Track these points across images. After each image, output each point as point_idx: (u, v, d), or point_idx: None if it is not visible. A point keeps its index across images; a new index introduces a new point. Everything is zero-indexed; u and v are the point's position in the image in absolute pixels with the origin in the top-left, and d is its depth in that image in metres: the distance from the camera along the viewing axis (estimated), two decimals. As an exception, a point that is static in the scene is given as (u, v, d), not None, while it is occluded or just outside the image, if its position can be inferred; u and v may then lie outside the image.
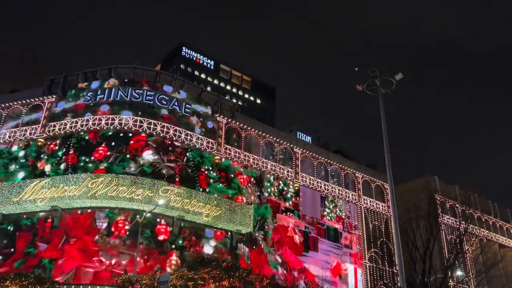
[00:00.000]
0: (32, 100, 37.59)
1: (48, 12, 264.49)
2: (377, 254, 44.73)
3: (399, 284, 19.30)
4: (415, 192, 44.69)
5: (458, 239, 42.03)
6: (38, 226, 31.31)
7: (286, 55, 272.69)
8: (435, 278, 39.07)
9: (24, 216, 31.70)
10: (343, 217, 43.88)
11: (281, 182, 40.70)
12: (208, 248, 33.04)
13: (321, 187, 43.59)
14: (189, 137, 36.33)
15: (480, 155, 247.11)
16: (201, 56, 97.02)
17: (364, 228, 44.94)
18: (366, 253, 43.87)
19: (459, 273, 44.93)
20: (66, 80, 38.00)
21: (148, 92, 36.76)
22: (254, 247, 35.62)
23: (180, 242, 31.96)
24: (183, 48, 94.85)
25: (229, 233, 34.55)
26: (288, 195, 40.72)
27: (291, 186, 41.23)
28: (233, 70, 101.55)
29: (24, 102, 37.74)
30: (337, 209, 43.83)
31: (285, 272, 36.63)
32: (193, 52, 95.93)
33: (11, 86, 48.08)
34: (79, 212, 31.25)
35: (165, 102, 36.89)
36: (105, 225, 30.71)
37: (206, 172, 35.75)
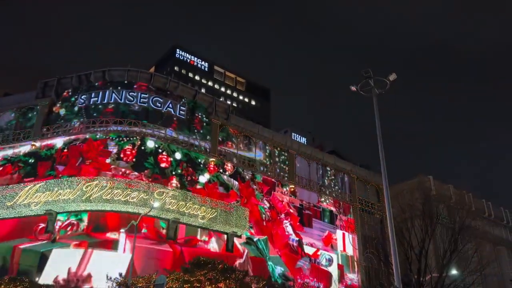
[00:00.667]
0: (26, 103, 37.41)
1: (37, 14, 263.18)
2: (372, 254, 44.82)
3: (395, 284, 19.37)
4: (409, 192, 44.83)
5: (452, 238, 42.15)
6: (55, 156, 33.80)
7: (281, 56, 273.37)
8: (430, 277, 39.18)
9: (44, 149, 34.31)
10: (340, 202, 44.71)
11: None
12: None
13: (316, 187, 43.68)
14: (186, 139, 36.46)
15: (477, 154, 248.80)
16: (195, 58, 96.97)
17: (359, 228, 45.05)
18: (362, 253, 43.97)
19: (454, 272, 45.04)
20: (59, 83, 37.86)
21: (142, 95, 36.78)
22: (242, 181, 38.21)
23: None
24: (177, 50, 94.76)
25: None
26: (285, 178, 41.55)
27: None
28: (227, 71, 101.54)
29: (17, 105, 37.53)
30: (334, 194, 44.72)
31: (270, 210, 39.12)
32: (187, 54, 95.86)
33: (3, 90, 47.55)
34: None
35: (159, 105, 36.90)
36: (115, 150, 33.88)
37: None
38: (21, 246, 29.81)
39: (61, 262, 28.87)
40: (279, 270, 36.74)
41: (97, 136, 34.29)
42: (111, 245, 30.30)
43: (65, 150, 34.05)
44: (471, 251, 45.11)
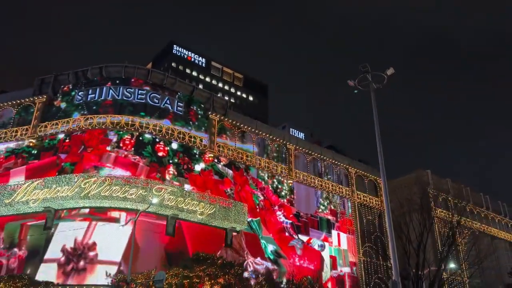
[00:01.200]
0: (23, 100, 37.27)
1: (37, 14, 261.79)
2: (371, 248, 44.97)
3: (393, 278, 19.42)
4: (408, 186, 44.94)
5: (451, 232, 42.31)
6: (58, 146, 34.37)
7: (280, 56, 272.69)
8: (429, 271, 39.33)
9: (47, 140, 35.00)
10: (337, 211, 44.38)
11: (275, 180, 40.89)
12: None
13: (314, 183, 43.69)
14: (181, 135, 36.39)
15: (476, 152, 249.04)
16: (192, 53, 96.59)
17: (357, 222, 45.15)
18: (360, 248, 44.11)
19: (452, 265, 45.24)
20: (56, 80, 37.71)
21: (140, 91, 36.71)
22: (236, 170, 38.54)
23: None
24: (174, 46, 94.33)
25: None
26: (283, 193, 40.96)
27: (285, 184, 41.40)
28: (225, 67, 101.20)
29: (14, 102, 37.39)
30: (332, 205, 44.19)
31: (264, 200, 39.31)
32: (184, 50, 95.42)
33: (1, 88, 47.20)
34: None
35: (157, 101, 36.81)
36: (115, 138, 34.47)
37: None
38: (29, 223, 31.52)
39: (68, 234, 30.37)
40: (271, 247, 37.42)
41: (96, 127, 34.79)
42: (114, 219, 31.46)
43: (67, 141, 34.57)
44: (469, 244, 45.30)
